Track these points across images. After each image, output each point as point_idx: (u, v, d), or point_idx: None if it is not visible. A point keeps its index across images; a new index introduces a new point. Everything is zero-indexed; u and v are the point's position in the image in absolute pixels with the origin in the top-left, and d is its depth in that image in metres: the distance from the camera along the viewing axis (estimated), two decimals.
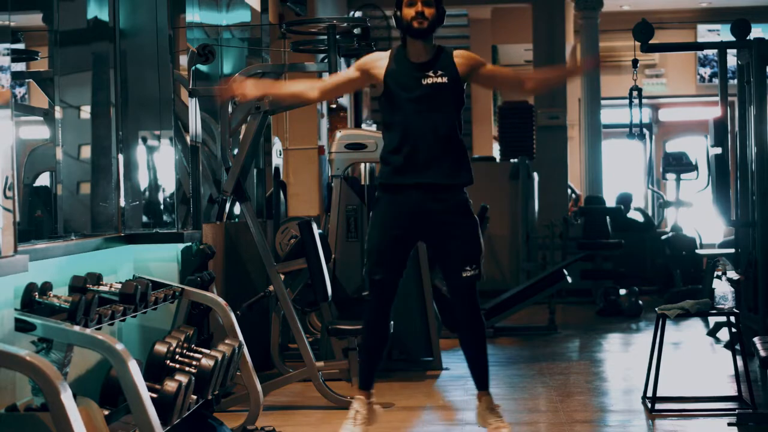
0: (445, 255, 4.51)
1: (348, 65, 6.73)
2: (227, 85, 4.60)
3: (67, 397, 2.85)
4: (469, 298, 4.52)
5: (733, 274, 7.42)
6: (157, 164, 4.91)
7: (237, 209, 6.64)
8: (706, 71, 16.24)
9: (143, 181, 4.84)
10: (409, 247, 4.57)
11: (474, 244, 4.48)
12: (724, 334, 7.86)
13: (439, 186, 4.44)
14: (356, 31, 5.92)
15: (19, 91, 5.21)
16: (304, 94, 4.64)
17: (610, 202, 13.05)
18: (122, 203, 4.60)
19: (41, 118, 4.95)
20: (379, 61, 4.53)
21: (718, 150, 7.48)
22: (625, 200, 13.21)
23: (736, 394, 5.45)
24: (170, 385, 3.55)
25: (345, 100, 11.11)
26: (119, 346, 3.23)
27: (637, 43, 7.39)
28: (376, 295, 4.55)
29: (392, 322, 5.50)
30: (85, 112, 4.60)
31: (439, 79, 4.43)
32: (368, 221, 4.57)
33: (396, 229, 4.48)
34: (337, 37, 5.66)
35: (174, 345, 3.91)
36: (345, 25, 5.73)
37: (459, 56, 4.52)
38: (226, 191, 5.68)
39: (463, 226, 4.47)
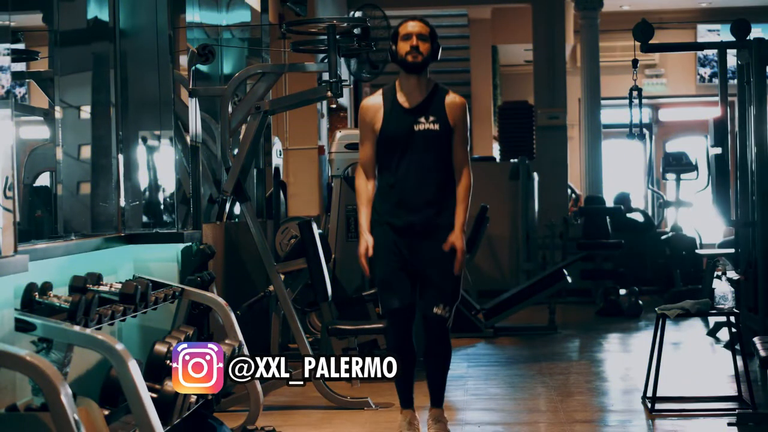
0: (424, 285, 4.53)
1: (348, 65, 6.72)
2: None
3: (67, 397, 2.85)
4: (437, 334, 4.54)
5: (733, 274, 7.43)
6: (157, 164, 4.91)
7: (237, 209, 6.64)
8: (706, 71, 16.24)
9: (143, 181, 4.84)
10: (414, 274, 4.56)
11: (452, 287, 4.50)
12: (724, 334, 7.86)
13: (431, 226, 4.47)
14: (356, 31, 5.91)
15: (19, 91, 5.21)
16: (369, 188, 4.57)
17: (610, 202, 13.05)
18: (122, 203, 4.60)
19: (41, 118, 4.95)
20: (377, 113, 4.52)
21: (718, 150, 7.48)
22: (623, 200, 13.20)
23: (736, 394, 5.45)
24: (170, 385, 3.55)
25: (345, 100, 11.11)
26: (119, 346, 3.23)
27: (637, 43, 7.39)
28: (396, 322, 4.56)
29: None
30: (85, 112, 4.60)
31: (431, 126, 4.46)
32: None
33: (398, 259, 4.50)
34: (337, 37, 5.65)
35: (174, 345, 3.90)
36: (345, 25, 5.72)
37: (451, 106, 4.50)
38: (226, 191, 5.68)
39: (447, 267, 4.48)
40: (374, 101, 4.56)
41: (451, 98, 4.52)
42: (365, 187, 4.56)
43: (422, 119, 4.46)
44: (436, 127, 4.46)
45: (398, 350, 4.56)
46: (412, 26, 4.49)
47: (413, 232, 4.48)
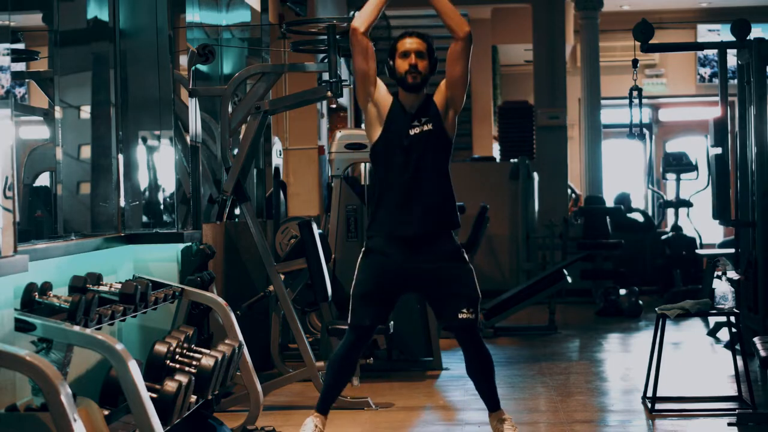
0: (440, 301, 4.48)
1: (348, 65, 6.73)
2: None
3: (67, 397, 2.85)
4: (470, 339, 4.48)
5: (733, 274, 7.42)
6: (157, 164, 4.91)
7: (237, 209, 6.64)
8: (706, 71, 16.24)
9: (143, 181, 4.84)
10: (397, 299, 4.56)
11: (469, 288, 4.45)
12: (724, 334, 7.86)
13: (429, 236, 4.43)
14: None
15: (19, 91, 5.20)
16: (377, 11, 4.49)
17: (610, 202, 13.05)
18: (122, 203, 4.60)
19: (41, 118, 4.95)
20: (387, 96, 4.53)
21: (718, 150, 7.48)
22: (623, 200, 13.21)
23: (736, 394, 5.45)
24: (170, 385, 3.55)
25: (345, 100, 11.11)
26: (119, 346, 3.23)
27: (637, 43, 7.39)
28: (356, 339, 4.52)
29: (392, 322, 5.51)
30: (85, 112, 4.60)
31: (425, 127, 4.46)
32: (357, 266, 4.55)
33: (385, 282, 4.47)
34: (337, 37, 5.65)
35: (174, 345, 3.91)
36: (345, 25, 5.71)
37: (437, 97, 4.52)
38: (226, 191, 5.68)
39: (456, 271, 4.45)
40: (388, 91, 4.57)
41: (435, 92, 4.52)
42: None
43: (416, 122, 4.47)
44: (430, 126, 4.46)
45: (343, 363, 4.53)
46: (410, 43, 4.46)
47: (414, 243, 4.42)
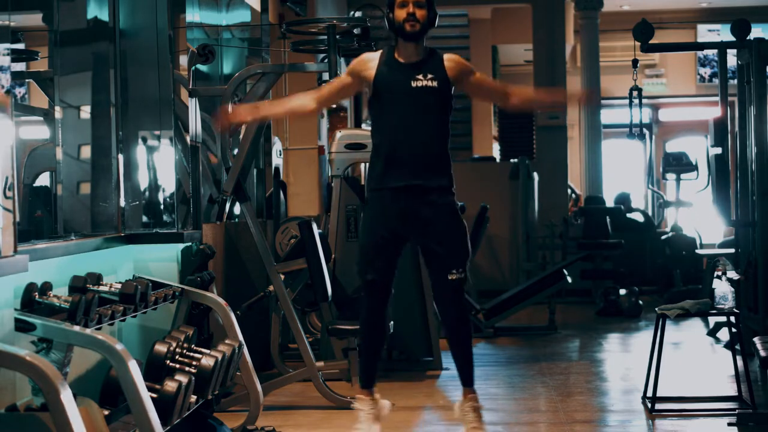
0: (432, 256, 4.55)
1: (348, 65, 6.74)
2: (221, 115, 4.55)
3: (67, 397, 2.85)
4: (455, 300, 4.55)
5: (733, 274, 7.42)
6: (157, 164, 4.91)
7: (237, 209, 6.64)
8: (706, 71, 16.24)
9: (143, 181, 4.84)
10: (399, 248, 4.59)
11: (461, 248, 4.52)
12: (724, 334, 7.86)
13: (425, 188, 4.46)
14: (356, 31, 5.92)
15: (19, 91, 5.21)
16: (301, 108, 4.64)
17: (610, 202, 13.05)
18: (122, 203, 4.60)
19: (41, 118, 4.95)
20: (369, 62, 4.53)
21: (718, 150, 7.48)
22: (623, 200, 13.20)
23: (736, 394, 5.45)
24: (170, 385, 3.55)
25: (345, 100, 11.10)
26: (119, 346, 3.23)
27: (637, 43, 7.39)
28: (370, 294, 4.58)
29: (392, 322, 5.51)
30: (85, 112, 4.60)
31: (429, 83, 4.44)
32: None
33: (384, 231, 4.52)
34: (337, 37, 5.65)
35: (174, 345, 3.91)
36: (345, 25, 5.73)
37: (449, 60, 4.52)
38: (226, 191, 5.68)
39: (450, 228, 4.50)
40: (371, 55, 4.56)
41: (448, 55, 4.53)
42: (296, 100, 4.62)
43: (420, 76, 4.44)
44: (434, 83, 4.44)
45: (368, 323, 4.57)
46: None
47: (410, 195, 4.45)
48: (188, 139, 5.60)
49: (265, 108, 4.73)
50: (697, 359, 7.20)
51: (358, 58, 4.61)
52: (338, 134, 6.92)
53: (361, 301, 4.64)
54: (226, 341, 4.27)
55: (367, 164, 7.20)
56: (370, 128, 4.72)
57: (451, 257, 4.50)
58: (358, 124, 8.42)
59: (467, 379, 4.64)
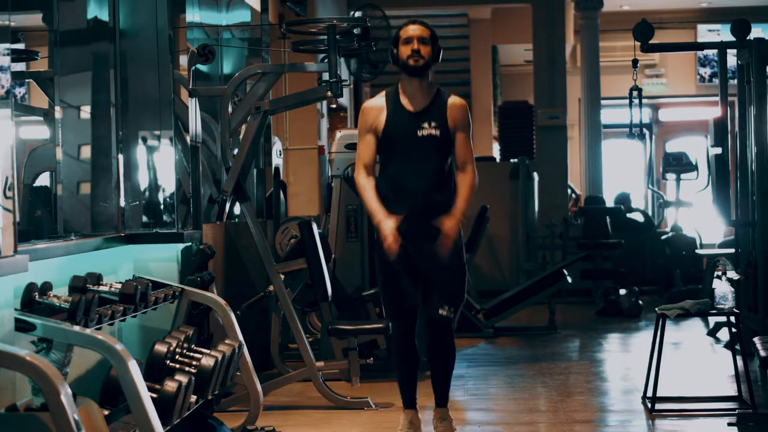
0: (429, 288, 4.57)
1: (348, 65, 6.72)
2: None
3: (67, 397, 2.85)
4: (441, 334, 4.59)
5: (733, 274, 7.42)
6: (157, 164, 4.91)
7: (237, 209, 6.64)
8: (706, 71, 16.24)
9: (143, 181, 4.84)
10: (418, 273, 4.59)
11: (456, 289, 4.56)
12: (724, 334, 7.86)
13: (430, 228, 4.49)
14: (356, 31, 5.91)
15: (19, 91, 5.21)
16: (372, 181, 4.58)
17: (610, 202, 13.05)
18: (122, 203, 4.60)
19: (41, 118, 4.95)
20: (377, 112, 4.56)
21: (718, 150, 7.48)
22: (623, 200, 13.20)
23: (736, 394, 5.45)
24: (170, 385, 3.55)
25: (345, 100, 11.11)
26: (119, 346, 3.23)
27: (637, 43, 7.39)
28: (401, 326, 4.64)
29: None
30: (85, 112, 4.60)
31: (433, 131, 4.50)
32: (373, 259, 4.63)
33: (401, 260, 4.51)
34: (337, 37, 5.65)
35: (174, 345, 3.91)
36: (345, 25, 5.72)
37: (453, 107, 4.54)
38: (226, 191, 5.68)
39: (451, 266, 4.53)
40: (377, 103, 4.60)
41: (452, 101, 4.56)
42: (368, 182, 4.56)
43: (425, 124, 4.51)
44: (437, 132, 4.51)
45: (403, 354, 4.66)
46: (413, 30, 4.52)
47: (414, 234, 4.49)
48: (188, 139, 5.59)
49: (375, 203, 4.58)
50: (697, 359, 7.20)
51: (364, 113, 4.61)
52: (338, 134, 6.92)
53: (393, 332, 4.70)
54: (226, 341, 4.27)
55: None
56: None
57: (445, 296, 4.54)
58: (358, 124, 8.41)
59: (442, 401, 4.70)
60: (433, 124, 4.50)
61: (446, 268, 4.52)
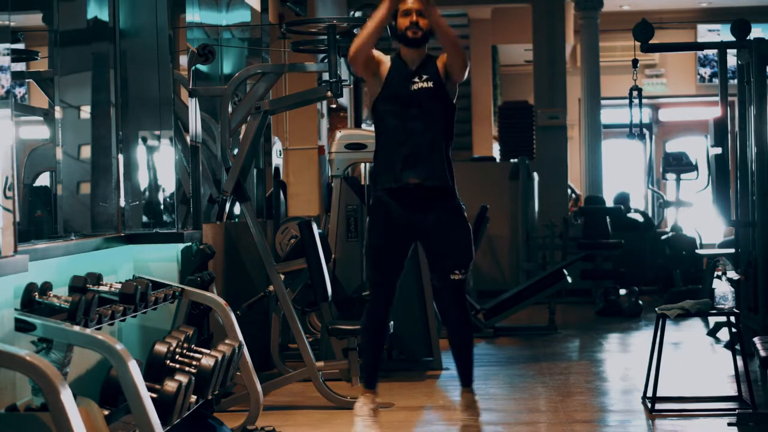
0: (436, 255, 4.70)
1: (348, 65, 6.72)
2: None
3: (67, 397, 2.85)
4: (456, 300, 4.69)
5: (733, 274, 7.42)
6: (157, 164, 4.91)
7: (237, 209, 6.64)
8: (706, 71, 16.24)
9: (143, 181, 4.84)
10: (407, 249, 4.74)
11: (465, 249, 4.66)
12: (724, 334, 7.86)
13: (429, 188, 4.61)
14: (356, 31, 5.90)
15: (19, 91, 5.20)
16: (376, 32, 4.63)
17: (610, 202, 13.05)
18: (122, 203, 4.60)
19: (41, 118, 4.94)
20: (386, 59, 4.74)
21: (718, 150, 7.48)
22: (622, 200, 13.20)
23: (736, 394, 5.45)
24: (170, 385, 3.55)
25: (345, 100, 11.10)
26: (119, 346, 3.23)
27: (637, 43, 7.39)
28: (376, 294, 4.73)
29: (392, 322, 5.52)
30: (85, 112, 4.60)
31: (425, 84, 4.65)
32: (366, 223, 4.73)
33: (392, 231, 4.65)
34: (337, 37, 5.64)
35: (174, 345, 3.91)
36: (345, 25, 5.72)
37: (440, 61, 4.72)
38: (226, 191, 5.68)
39: (455, 230, 4.65)
40: (387, 57, 4.78)
41: (439, 57, 4.72)
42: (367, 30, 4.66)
43: (416, 78, 4.65)
44: (430, 84, 4.64)
45: (372, 324, 4.73)
46: (412, 2, 4.66)
47: (413, 196, 4.59)
48: (188, 139, 5.59)
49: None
50: (697, 359, 7.20)
51: (378, 51, 4.78)
52: (338, 134, 6.92)
53: (369, 301, 4.76)
54: (226, 341, 4.27)
55: (368, 164, 7.22)
56: (371, 128, 4.86)
57: (455, 258, 4.64)
58: (358, 124, 8.43)
59: (467, 379, 4.76)
60: (424, 77, 4.64)
61: (451, 230, 4.61)
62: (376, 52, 4.77)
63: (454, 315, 4.71)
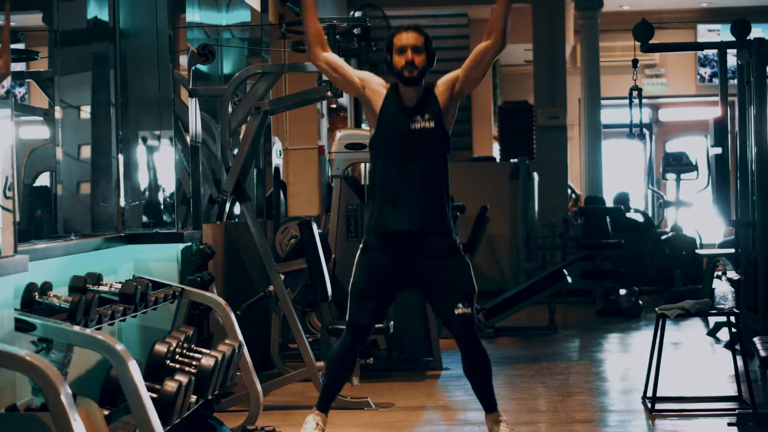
0: (435, 294, 4.48)
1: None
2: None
3: (67, 397, 2.85)
4: (466, 335, 4.45)
5: (733, 274, 7.42)
6: (157, 164, 4.91)
7: (237, 209, 6.64)
8: (706, 71, 16.24)
9: (143, 181, 4.84)
10: (394, 295, 4.55)
11: (465, 283, 4.43)
12: (724, 334, 7.86)
13: (424, 233, 4.41)
14: (356, 31, 5.91)
15: (19, 91, 5.21)
16: (320, 41, 4.53)
17: (610, 202, 13.06)
18: (122, 203, 4.60)
19: (41, 118, 4.95)
20: (380, 89, 4.52)
21: (718, 150, 7.48)
22: (622, 200, 13.21)
23: (736, 394, 5.45)
24: (170, 385, 3.55)
25: (345, 100, 11.11)
26: (119, 346, 3.23)
27: (637, 43, 7.39)
28: (354, 337, 4.52)
29: (392, 323, 5.51)
30: (85, 112, 4.60)
31: (426, 124, 4.44)
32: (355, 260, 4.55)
33: (383, 277, 4.46)
34: (337, 37, 5.65)
35: (174, 345, 3.91)
36: (345, 25, 5.72)
37: (439, 87, 4.51)
38: (226, 191, 5.68)
39: (452, 266, 4.43)
40: (381, 81, 4.56)
41: (437, 87, 4.51)
42: (321, 35, 4.55)
43: (418, 117, 4.45)
44: (431, 124, 4.44)
45: (342, 362, 4.54)
46: (407, 38, 4.44)
47: (409, 241, 4.41)
48: (188, 139, 5.59)
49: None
50: (697, 359, 7.20)
51: (371, 74, 4.59)
52: (338, 134, 6.92)
53: (341, 337, 4.58)
54: (226, 341, 4.27)
55: (367, 164, 7.22)
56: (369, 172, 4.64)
57: (454, 291, 4.41)
58: (358, 124, 8.42)
59: (491, 405, 4.58)
60: (426, 116, 4.45)
61: (450, 268, 4.42)
62: (361, 73, 4.57)
63: (467, 352, 4.48)
